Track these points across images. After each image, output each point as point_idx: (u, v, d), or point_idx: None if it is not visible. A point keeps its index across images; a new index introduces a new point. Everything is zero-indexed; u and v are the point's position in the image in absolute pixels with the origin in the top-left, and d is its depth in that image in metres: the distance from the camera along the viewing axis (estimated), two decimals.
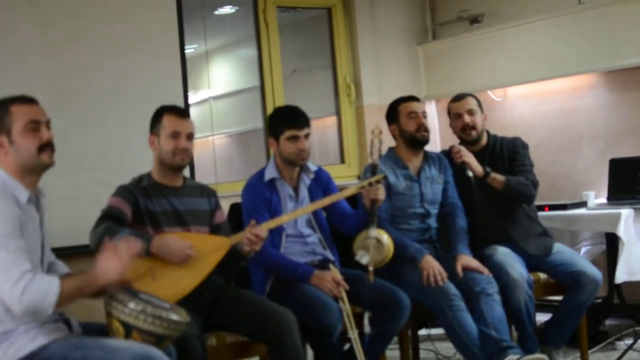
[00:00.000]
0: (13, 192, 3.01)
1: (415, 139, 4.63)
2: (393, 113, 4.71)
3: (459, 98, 4.89)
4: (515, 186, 4.62)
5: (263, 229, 3.83)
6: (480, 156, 4.72)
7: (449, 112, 4.91)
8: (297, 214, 4.20)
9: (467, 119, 4.79)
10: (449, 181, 4.73)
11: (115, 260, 3.05)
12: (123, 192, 3.80)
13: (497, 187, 4.62)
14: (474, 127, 4.79)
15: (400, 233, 4.48)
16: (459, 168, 4.64)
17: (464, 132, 4.81)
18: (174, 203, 3.88)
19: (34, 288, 2.83)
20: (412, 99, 4.75)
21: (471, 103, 4.84)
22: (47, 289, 2.86)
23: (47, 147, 3.08)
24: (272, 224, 3.96)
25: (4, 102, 3.09)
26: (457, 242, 4.57)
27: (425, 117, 4.67)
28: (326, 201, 4.19)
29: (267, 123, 4.80)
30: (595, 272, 4.53)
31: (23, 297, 2.81)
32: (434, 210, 4.68)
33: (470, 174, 4.58)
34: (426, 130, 4.64)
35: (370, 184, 4.14)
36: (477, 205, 4.68)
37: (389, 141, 4.62)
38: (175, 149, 3.83)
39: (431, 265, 4.34)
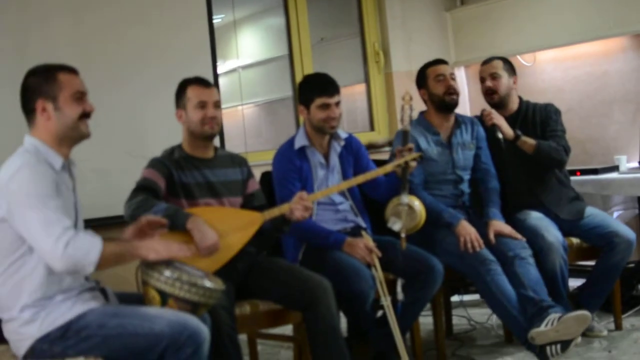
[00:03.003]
0: (47, 159, 3.04)
1: (444, 102, 4.60)
2: (422, 77, 4.69)
3: (484, 62, 4.88)
4: (546, 150, 4.59)
5: (310, 201, 3.82)
6: (511, 121, 4.69)
7: (479, 77, 4.89)
8: (331, 190, 4.17)
9: (488, 82, 4.77)
10: (481, 146, 4.70)
11: (163, 247, 3.08)
12: (156, 164, 3.80)
13: (528, 150, 4.59)
14: (495, 91, 4.77)
15: (435, 199, 4.49)
16: (489, 130, 4.61)
17: (487, 95, 4.80)
18: (207, 174, 3.88)
19: (77, 243, 2.85)
20: (440, 62, 4.72)
21: (495, 66, 4.81)
22: (89, 246, 2.88)
23: (86, 117, 3.12)
24: (313, 197, 3.94)
25: (50, 69, 3.12)
26: (490, 207, 4.55)
27: (453, 79, 4.63)
28: (361, 179, 4.14)
29: (296, 91, 4.79)
30: (629, 232, 4.54)
31: (66, 251, 2.82)
32: (466, 176, 4.66)
33: (500, 135, 4.53)
34: (455, 92, 4.60)
35: (407, 163, 4.12)
36: (508, 170, 4.67)
37: (419, 107, 4.60)
38: (204, 118, 3.82)
39: (467, 231, 4.33)
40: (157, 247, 3.07)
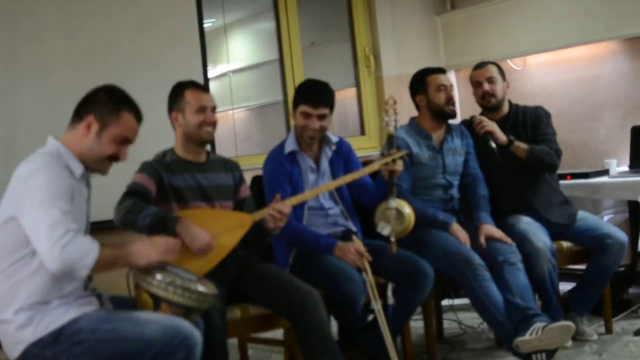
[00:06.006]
0: (68, 164, 3.07)
1: (444, 112, 4.61)
2: (421, 84, 4.69)
3: (479, 66, 4.89)
4: (539, 155, 4.61)
5: (286, 206, 3.81)
6: (501, 125, 4.69)
7: (471, 81, 4.89)
8: (320, 190, 4.18)
9: (486, 86, 4.78)
10: (470, 152, 4.73)
11: (152, 250, 3.10)
12: (147, 168, 3.79)
13: (520, 155, 4.60)
14: (493, 95, 4.79)
15: (425, 203, 4.50)
16: (482, 139, 4.63)
17: (484, 99, 4.80)
18: (198, 178, 3.87)
19: (76, 245, 2.86)
20: (440, 70, 4.74)
21: (491, 71, 4.83)
22: (88, 249, 2.89)
23: (114, 160, 3.20)
24: (294, 200, 3.92)
25: (122, 102, 3.21)
26: (480, 211, 4.58)
27: (452, 89, 4.67)
28: (349, 178, 4.15)
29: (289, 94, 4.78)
30: (621, 235, 4.56)
31: (63, 252, 2.82)
32: (456, 181, 4.68)
33: (494, 145, 4.55)
34: (454, 103, 4.64)
35: (394, 161, 4.10)
36: (499, 175, 4.68)
37: (404, 111, 4.58)
38: (204, 122, 3.82)
39: (462, 232, 4.40)
40: (147, 252, 3.08)
